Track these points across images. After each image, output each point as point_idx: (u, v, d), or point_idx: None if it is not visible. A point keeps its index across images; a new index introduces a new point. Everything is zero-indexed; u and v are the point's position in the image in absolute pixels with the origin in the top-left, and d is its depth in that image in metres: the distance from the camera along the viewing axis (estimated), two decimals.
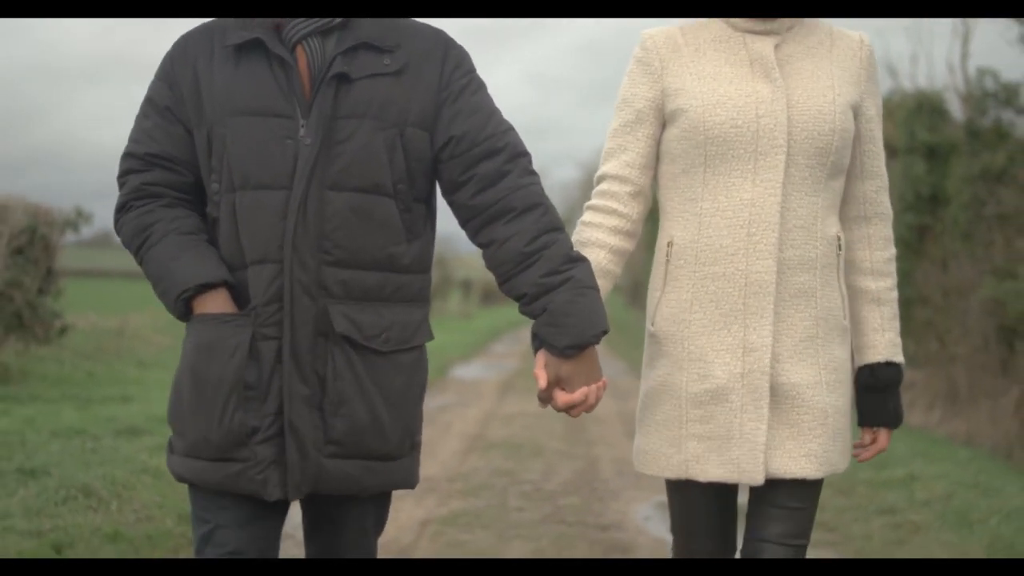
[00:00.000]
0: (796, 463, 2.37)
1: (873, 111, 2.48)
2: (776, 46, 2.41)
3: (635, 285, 40.07)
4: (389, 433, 2.25)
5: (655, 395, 2.47)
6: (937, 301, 11.78)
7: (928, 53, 23.12)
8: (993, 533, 4.81)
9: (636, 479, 6.84)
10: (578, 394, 2.24)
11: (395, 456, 2.27)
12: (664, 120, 2.46)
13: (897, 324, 2.51)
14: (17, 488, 5.25)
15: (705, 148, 2.38)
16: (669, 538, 5.16)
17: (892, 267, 2.52)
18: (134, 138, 2.31)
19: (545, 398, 2.28)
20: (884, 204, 2.51)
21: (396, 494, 6.56)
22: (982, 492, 5.76)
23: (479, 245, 2.31)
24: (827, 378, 2.41)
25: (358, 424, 2.21)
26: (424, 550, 4.91)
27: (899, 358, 2.50)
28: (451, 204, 2.31)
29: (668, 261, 2.45)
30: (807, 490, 2.42)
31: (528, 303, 2.23)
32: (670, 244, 2.45)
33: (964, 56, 12.51)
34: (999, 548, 4.60)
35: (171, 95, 2.27)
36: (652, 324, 2.48)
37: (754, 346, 2.36)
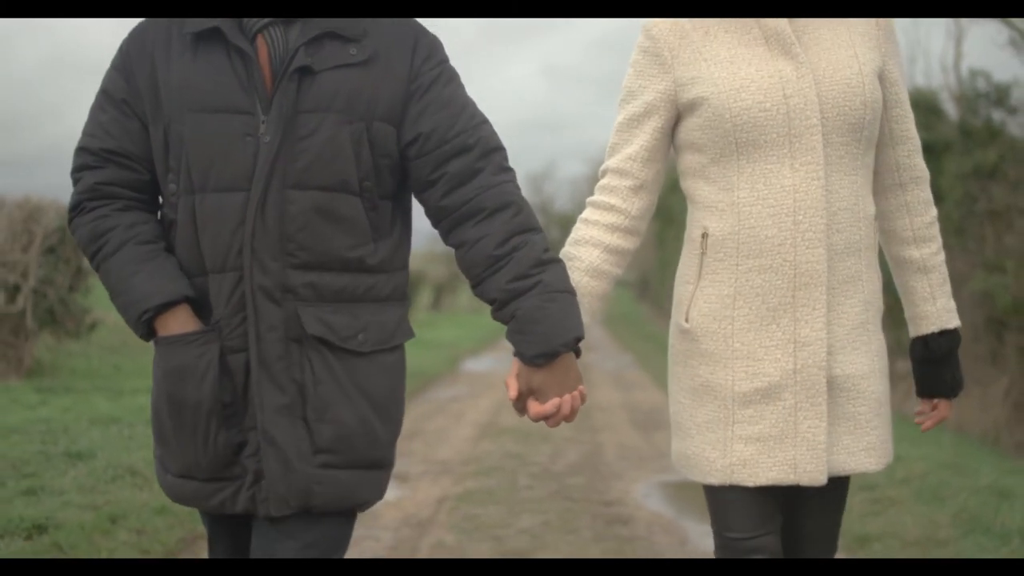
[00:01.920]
0: (855, 458, 2.28)
1: (896, 73, 2.35)
2: (790, 19, 2.28)
3: (643, 280, 40.45)
4: (380, 438, 2.13)
5: (696, 396, 2.33)
6: None
7: (926, 51, 23.45)
8: (961, 506, 5.24)
9: (638, 462, 7.31)
10: (549, 405, 2.11)
11: (386, 463, 2.16)
12: (678, 111, 2.33)
13: (948, 288, 2.40)
14: (67, 469, 5.73)
15: (735, 135, 2.24)
16: (667, 513, 5.67)
17: (935, 230, 2.40)
18: (89, 132, 2.17)
19: (519, 408, 2.17)
20: (918, 167, 2.38)
21: (412, 473, 7.12)
22: (957, 471, 6.21)
23: (451, 246, 2.19)
24: (879, 365, 2.32)
25: (346, 429, 2.09)
26: (442, 523, 5.38)
27: (953, 323, 2.40)
28: (421, 203, 2.19)
29: (704, 254, 2.31)
30: (838, 496, 2.35)
31: (498, 309, 2.12)
32: (705, 236, 2.31)
33: (957, 57, 12.92)
34: (964, 519, 5.04)
35: (127, 87, 2.13)
36: (687, 320, 2.34)
37: (807, 340, 2.24)
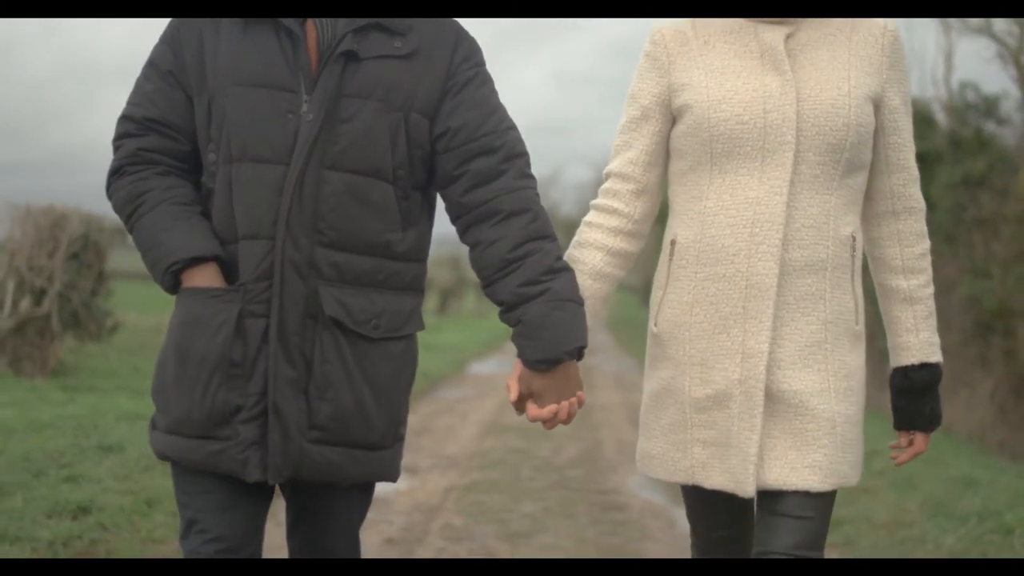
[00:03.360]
0: (798, 474, 2.25)
1: (898, 101, 2.34)
2: (789, 35, 2.29)
3: (647, 284, 40.85)
4: (375, 421, 2.20)
5: (660, 398, 2.39)
6: None
7: (920, 62, 23.83)
8: (928, 494, 5.67)
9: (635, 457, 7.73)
10: (546, 410, 2.19)
11: (380, 446, 2.22)
12: (673, 116, 2.37)
13: (933, 322, 2.39)
14: (101, 460, 6.15)
15: (711, 145, 2.28)
16: (658, 500, 6.10)
17: (925, 263, 2.39)
18: (134, 101, 2.24)
19: (518, 409, 2.25)
20: (913, 198, 2.37)
21: (422, 466, 7.67)
22: (931, 463, 6.63)
23: (466, 244, 2.25)
24: (836, 385, 2.28)
25: (343, 410, 2.16)
26: (450, 508, 5.82)
27: (935, 358, 2.38)
28: (443, 198, 2.26)
29: (671, 260, 2.37)
30: (815, 500, 2.26)
31: (505, 312, 2.19)
32: (673, 243, 2.36)
33: (948, 70, 13.33)
34: (930, 505, 5.46)
35: (175, 60, 2.20)
36: (655, 325, 2.41)
37: (752, 352, 2.26)
